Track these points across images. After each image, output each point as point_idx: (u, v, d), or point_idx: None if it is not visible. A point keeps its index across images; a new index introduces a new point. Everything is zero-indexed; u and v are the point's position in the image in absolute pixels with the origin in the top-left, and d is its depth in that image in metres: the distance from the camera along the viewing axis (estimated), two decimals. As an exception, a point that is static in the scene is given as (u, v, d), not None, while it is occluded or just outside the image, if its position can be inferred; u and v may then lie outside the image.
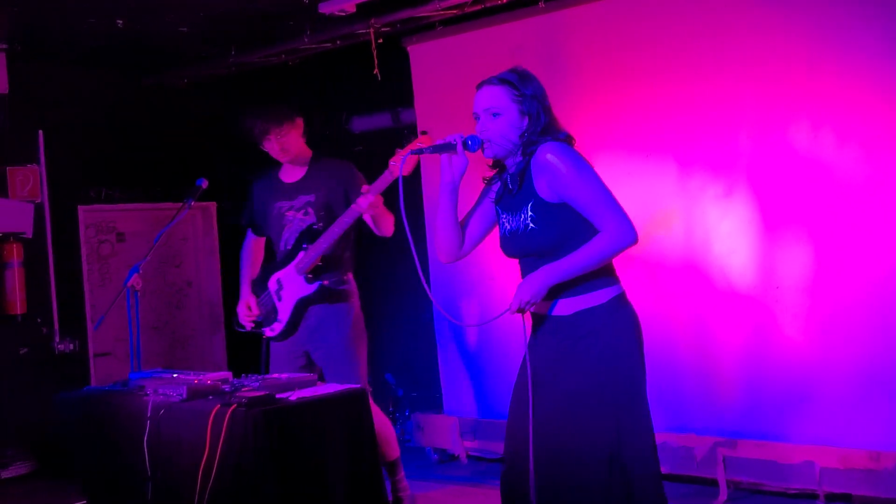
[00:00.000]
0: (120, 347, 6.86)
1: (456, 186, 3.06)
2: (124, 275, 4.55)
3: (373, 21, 5.58)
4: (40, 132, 6.50)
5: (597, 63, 5.21)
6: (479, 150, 3.01)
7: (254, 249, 4.84)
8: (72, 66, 6.58)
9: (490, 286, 5.75)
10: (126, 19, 5.60)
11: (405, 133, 6.41)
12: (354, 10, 5.42)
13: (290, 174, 4.64)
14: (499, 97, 2.96)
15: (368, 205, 4.21)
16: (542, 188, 2.90)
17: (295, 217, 4.53)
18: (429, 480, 5.50)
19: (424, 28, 5.85)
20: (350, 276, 4.57)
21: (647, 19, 5.04)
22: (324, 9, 5.40)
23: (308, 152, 4.64)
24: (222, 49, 6.35)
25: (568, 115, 5.34)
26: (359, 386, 3.97)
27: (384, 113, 6.49)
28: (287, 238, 4.55)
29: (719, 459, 4.73)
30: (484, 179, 3.17)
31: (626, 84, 5.10)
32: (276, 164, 4.74)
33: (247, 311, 4.63)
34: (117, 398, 4.04)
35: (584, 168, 2.90)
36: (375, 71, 5.64)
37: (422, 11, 5.43)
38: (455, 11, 5.41)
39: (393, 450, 4.57)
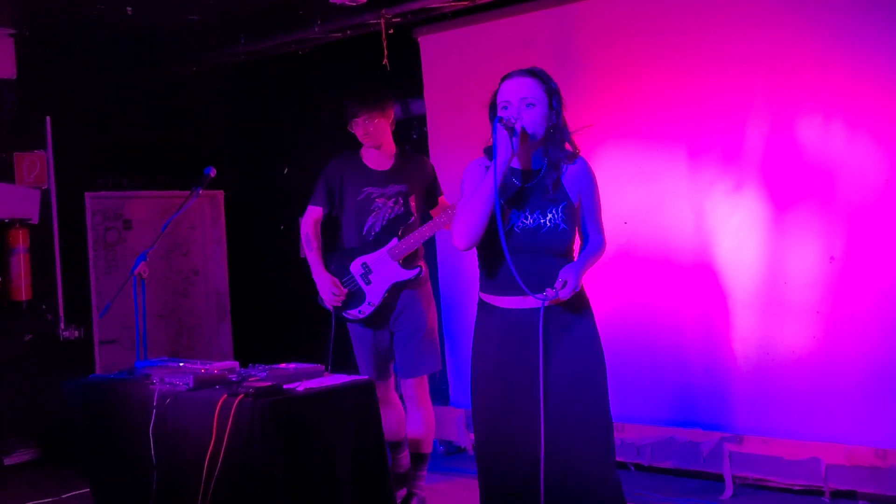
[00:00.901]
0: (125, 335, 6.86)
1: (506, 168, 3.05)
2: (131, 262, 4.54)
3: (384, 11, 5.56)
4: (48, 118, 6.49)
5: (608, 56, 5.18)
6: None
7: (319, 229, 4.75)
8: (80, 52, 6.56)
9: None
10: (135, 6, 5.58)
11: (415, 124, 6.40)
12: (365, 0, 5.40)
13: (377, 162, 4.66)
14: (533, 88, 3.06)
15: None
16: (574, 194, 3.11)
17: (385, 204, 4.60)
18: (435, 472, 5.48)
19: (435, 19, 5.83)
20: (424, 261, 4.73)
21: (658, 12, 5.02)
22: (334, -1, 5.39)
23: (392, 143, 4.72)
24: (232, 38, 6.33)
25: (579, 108, 5.35)
26: (366, 377, 3.97)
27: (394, 103, 6.46)
28: (372, 223, 4.60)
29: (725, 455, 4.73)
30: (487, 169, 3.10)
31: (637, 78, 5.07)
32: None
33: (335, 291, 4.57)
34: (123, 386, 4.03)
35: (597, 186, 3.21)
36: (385, 61, 5.62)
37: (433, 2, 5.41)
38: (466, 2, 5.39)
39: (428, 444, 4.77)
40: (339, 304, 4.60)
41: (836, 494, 4.48)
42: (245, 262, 7.42)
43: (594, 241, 3.20)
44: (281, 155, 7.25)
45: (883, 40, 4.32)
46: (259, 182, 7.37)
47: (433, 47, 6.03)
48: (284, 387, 3.63)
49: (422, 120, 6.22)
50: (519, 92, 3.06)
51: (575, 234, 3.14)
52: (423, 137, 6.17)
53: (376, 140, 4.61)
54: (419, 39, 6.06)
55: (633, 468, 5.17)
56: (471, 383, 3.26)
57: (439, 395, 6.24)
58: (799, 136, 4.60)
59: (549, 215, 3.07)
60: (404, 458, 4.84)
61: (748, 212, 4.77)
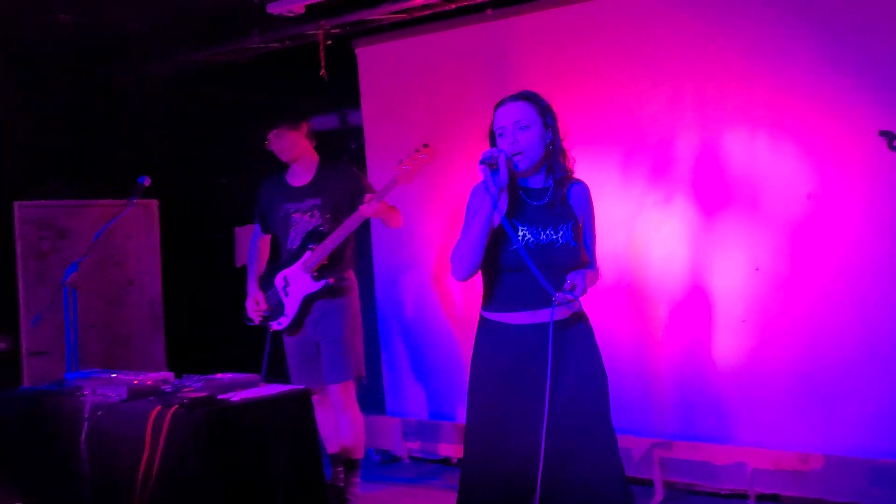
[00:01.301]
0: (56, 346, 6.73)
1: (497, 202, 3.07)
2: (63, 272, 4.49)
3: (322, 22, 5.59)
4: (-22, 125, 6.39)
5: (541, 70, 5.27)
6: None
7: (260, 246, 5.05)
8: (13, 58, 6.46)
9: (435, 287, 5.80)
10: (72, 14, 5.53)
11: (353, 135, 6.43)
12: (304, 10, 5.42)
13: (297, 177, 4.86)
14: (526, 111, 3.13)
15: (373, 212, 4.50)
16: (579, 214, 3.20)
17: (301, 219, 4.75)
18: (371, 481, 5.51)
19: (373, 31, 5.87)
20: (351, 272, 4.83)
21: (591, 29, 5.13)
22: (272, 9, 5.40)
23: (315, 156, 4.88)
24: (170, 46, 6.29)
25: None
26: (302, 387, 3.99)
27: (331, 114, 6.49)
28: (293, 238, 4.78)
29: (655, 460, 4.83)
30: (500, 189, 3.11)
31: (570, 91, 5.16)
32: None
33: (255, 305, 4.84)
34: (53, 398, 3.99)
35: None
36: (322, 72, 5.65)
37: (371, 14, 5.45)
38: (404, 15, 5.44)
39: (360, 450, 4.85)
40: (261, 318, 4.82)
41: (761, 498, 4.61)
42: (180, 272, 7.36)
43: (591, 266, 3.26)
44: (218, 164, 7.21)
45: (805, 56, 4.47)
46: (196, 191, 7.32)
47: (371, 59, 6.07)
48: (219, 397, 3.64)
49: (359, 130, 6.25)
50: (512, 116, 3.12)
51: (582, 252, 3.18)
52: (361, 148, 6.20)
53: (290, 155, 4.82)
54: (357, 51, 6.09)
55: (566, 475, 5.25)
56: (468, 397, 3.24)
57: (375, 404, 6.27)
58: (726, 149, 4.74)
59: (561, 232, 3.13)
60: (354, 484, 4.87)
61: (678, 223, 4.89)
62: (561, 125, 3.18)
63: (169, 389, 3.76)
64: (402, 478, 5.61)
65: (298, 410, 3.80)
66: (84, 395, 3.78)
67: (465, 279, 3.23)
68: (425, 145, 4.42)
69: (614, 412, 5.02)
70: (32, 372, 6.56)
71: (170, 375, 4.01)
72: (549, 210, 3.14)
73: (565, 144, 3.20)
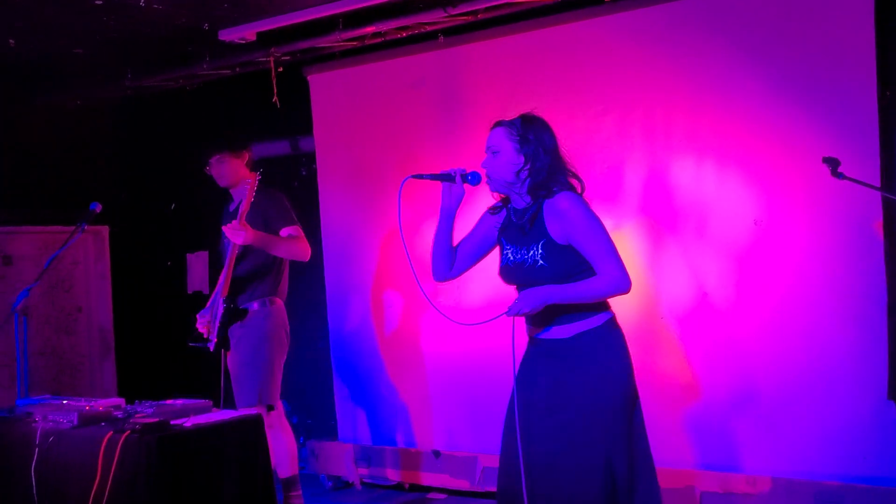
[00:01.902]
0: (4, 374, 6.64)
1: (452, 214, 3.36)
2: (11, 299, 4.44)
3: (273, 49, 5.61)
4: (-78, 150, 6.30)
5: (492, 97, 5.35)
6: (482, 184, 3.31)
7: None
8: (-41, 83, 6.40)
9: (389, 310, 5.82)
10: (18, 38, 5.49)
11: (304, 160, 6.44)
12: (255, 38, 5.44)
13: (233, 202, 4.92)
14: (499, 137, 3.25)
15: (232, 233, 4.45)
16: (555, 231, 3.16)
17: (230, 242, 4.69)
18: (323, 508, 5.50)
19: (324, 58, 5.91)
20: (268, 299, 4.76)
21: (541, 57, 5.21)
22: (224, 36, 5.41)
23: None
24: (118, 72, 6.27)
25: (464, 146, 5.53)
26: (255, 412, 3.98)
27: (283, 140, 6.51)
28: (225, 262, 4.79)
29: (607, 484, 4.86)
30: (490, 210, 3.42)
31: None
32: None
33: (199, 322, 4.80)
34: (3, 425, 3.94)
35: (593, 219, 3.17)
36: (275, 99, 5.67)
37: (322, 42, 5.49)
38: (356, 43, 5.48)
39: (294, 466, 4.80)
40: (205, 329, 4.77)
41: (710, 520, 4.68)
42: (131, 298, 7.30)
43: (597, 275, 3.15)
44: (169, 190, 7.18)
45: (751, 85, 4.59)
46: (146, 217, 7.28)
47: (322, 85, 6.10)
48: (172, 423, 3.61)
49: (311, 157, 6.27)
50: (489, 140, 3.27)
51: (568, 271, 3.15)
52: (313, 174, 6.22)
53: (228, 181, 4.86)
54: (308, 77, 6.12)
55: (518, 499, 5.27)
56: None
57: (327, 430, 6.26)
58: (673, 176, 4.83)
59: (531, 251, 3.20)
60: (296, 498, 4.82)
61: (626, 249, 4.95)
62: (582, 159, 3.31)
63: (121, 415, 3.73)
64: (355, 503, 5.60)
65: (251, 435, 3.80)
66: (35, 422, 3.74)
67: (439, 280, 3.49)
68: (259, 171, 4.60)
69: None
70: (-21, 400, 6.44)
71: (121, 401, 3.98)
72: (525, 230, 3.23)
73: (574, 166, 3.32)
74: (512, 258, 3.27)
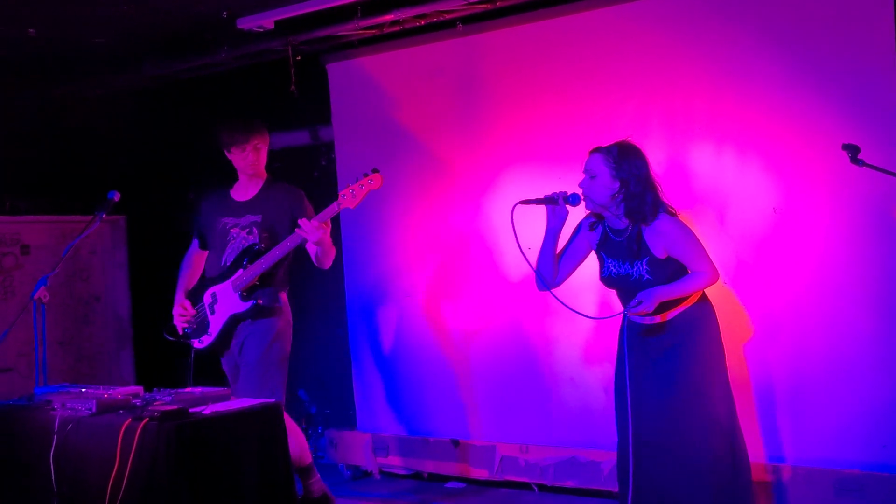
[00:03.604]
0: (22, 363, 6.68)
1: (557, 233, 3.92)
2: (29, 288, 4.47)
3: (291, 38, 5.59)
4: (-58, 139, 6.32)
5: (511, 84, 5.32)
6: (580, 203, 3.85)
7: (195, 261, 4.88)
8: (-22, 73, 6.42)
9: (406, 302, 5.81)
10: (39, 27, 5.49)
11: (323, 150, 6.43)
12: (273, 26, 5.43)
13: (242, 192, 4.72)
14: (597, 163, 3.77)
15: (312, 230, 4.28)
16: (658, 249, 3.74)
17: (239, 235, 4.59)
18: (341, 497, 5.48)
19: (343, 47, 5.89)
20: (283, 295, 4.64)
21: (561, 45, 5.18)
22: (242, 24, 5.40)
23: (265, 174, 4.73)
24: (138, 61, 6.27)
25: (483, 134, 5.52)
26: (273, 400, 3.97)
27: (302, 130, 6.49)
28: (228, 254, 4.61)
29: (626, 474, 4.84)
30: (589, 226, 3.95)
31: (540, 105, 5.22)
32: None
33: (182, 311, 4.66)
34: (22, 413, 3.95)
35: (689, 235, 3.78)
36: (293, 88, 5.65)
37: (341, 30, 5.46)
38: (374, 31, 5.46)
39: (306, 455, 4.69)
40: (187, 325, 4.65)
41: (729, 509, 4.64)
42: (148, 287, 7.31)
43: (694, 273, 3.77)
44: (186, 180, 7.19)
45: (771, 72, 4.54)
46: (163, 207, 7.28)
47: (341, 75, 6.09)
48: (190, 410, 3.61)
49: (330, 146, 6.26)
50: (588, 165, 3.79)
51: (664, 279, 3.75)
52: (332, 164, 6.21)
53: (257, 168, 4.67)
54: (327, 67, 6.11)
55: (536, 488, 5.27)
56: None
57: (346, 419, 6.26)
58: (693, 163, 4.80)
59: (636, 267, 3.78)
60: (316, 483, 4.77)
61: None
62: (653, 172, 3.80)
63: (139, 403, 3.73)
64: (373, 493, 5.59)
65: (269, 423, 3.79)
66: (53, 410, 3.75)
67: (544, 289, 4.03)
68: (374, 170, 4.33)
69: (583, 425, 5.10)
70: (-2, 388, 6.48)
71: (139, 389, 3.99)
72: (626, 247, 3.78)
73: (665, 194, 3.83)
74: (615, 271, 3.84)
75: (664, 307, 3.76)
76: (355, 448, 5.90)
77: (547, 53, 5.23)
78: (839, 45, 4.38)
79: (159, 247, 7.25)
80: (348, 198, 4.32)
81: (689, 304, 3.80)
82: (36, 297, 4.25)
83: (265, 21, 5.36)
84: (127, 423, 3.46)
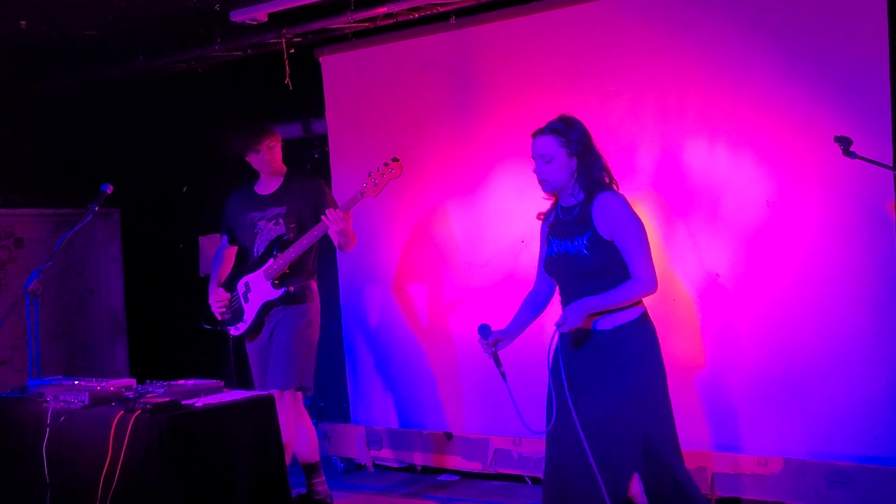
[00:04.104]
0: (16, 356, 6.68)
1: (515, 336, 3.79)
2: (22, 281, 4.46)
3: (284, 31, 5.58)
4: (-66, 132, 6.31)
5: (505, 77, 5.32)
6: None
7: (225, 256, 5.06)
8: (-29, 66, 6.41)
9: (398, 295, 5.82)
10: (30, 20, 5.48)
11: (316, 143, 6.43)
12: (266, 19, 5.41)
13: (265, 187, 4.91)
14: (549, 145, 3.54)
15: (337, 220, 4.46)
16: (603, 226, 3.46)
17: (266, 226, 4.78)
18: (335, 489, 5.47)
19: (337, 39, 5.88)
20: (312, 283, 4.82)
21: (554, 38, 5.18)
22: (235, 17, 5.39)
23: (282, 168, 4.91)
24: (130, 54, 6.26)
25: (476, 128, 5.51)
26: (266, 393, 3.98)
27: (295, 123, 6.48)
28: (258, 245, 4.81)
29: (618, 466, 4.85)
30: (539, 216, 3.73)
31: (533, 99, 5.22)
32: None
33: (218, 298, 4.83)
34: (14, 405, 3.96)
35: (637, 221, 3.49)
36: (287, 80, 5.65)
37: (334, 23, 5.46)
38: (367, 24, 5.46)
39: (316, 453, 4.86)
40: (224, 311, 4.81)
41: (721, 501, 4.66)
42: (142, 280, 7.32)
43: (630, 280, 3.47)
44: (180, 173, 7.18)
45: (763, 66, 4.55)
46: (157, 200, 7.28)
47: (335, 67, 6.08)
48: (183, 402, 3.62)
49: (323, 139, 6.26)
50: (537, 149, 3.57)
51: (606, 263, 3.46)
52: (325, 156, 6.21)
53: (275, 166, 4.87)
54: (321, 59, 6.10)
55: (529, 481, 5.28)
56: None
57: (340, 412, 6.27)
58: (686, 157, 4.81)
59: (577, 243, 3.50)
60: (320, 484, 4.87)
61: (639, 230, 4.94)
62: (596, 141, 3.61)
63: (132, 395, 3.74)
64: (367, 486, 5.60)
65: (262, 416, 3.80)
66: (46, 402, 3.75)
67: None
68: (395, 159, 4.50)
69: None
70: (-9, 381, 6.48)
71: (132, 381, 3.98)
72: (572, 223, 3.53)
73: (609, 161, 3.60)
74: (556, 249, 3.57)
75: (602, 314, 3.47)
76: (349, 441, 5.91)
77: (540, 47, 5.23)
78: (831, 38, 4.39)
79: (153, 240, 7.27)
80: (370, 187, 4.50)
81: (632, 319, 3.49)
82: (29, 289, 4.24)
83: (258, 14, 5.34)
84: (119, 415, 3.47)
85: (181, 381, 3.98)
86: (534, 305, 3.80)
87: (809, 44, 4.45)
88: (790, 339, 4.54)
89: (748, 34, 4.60)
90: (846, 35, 4.35)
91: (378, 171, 4.49)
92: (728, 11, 4.66)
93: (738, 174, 4.66)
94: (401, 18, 5.35)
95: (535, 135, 3.60)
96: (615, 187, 3.59)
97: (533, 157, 3.59)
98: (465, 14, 5.40)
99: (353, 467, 5.97)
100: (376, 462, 5.86)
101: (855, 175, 4.28)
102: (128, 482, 3.41)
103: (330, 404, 6.47)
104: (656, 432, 3.47)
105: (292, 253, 4.64)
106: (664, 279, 4.82)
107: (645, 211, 4.91)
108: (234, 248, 5.04)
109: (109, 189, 4.57)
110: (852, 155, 3.80)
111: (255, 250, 4.83)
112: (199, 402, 3.67)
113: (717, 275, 4.73)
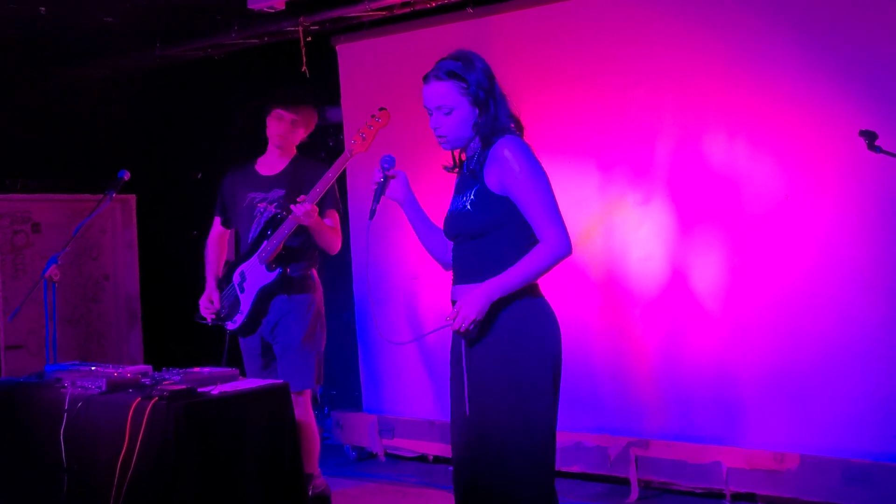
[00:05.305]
0: (32, 340, 6.71)
1: (411, 201, 3.16)
2: (39, 266, 4.48)
3: (302, 19, 5.59)
4: (-46, 117, 6.34)
5: (522, 69, 5.29)
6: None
7: (218, 242, 4.79)
8: (-11, 50, 6.42)
9: (413, 284, 5.81)
10: (49, 6, 5.48)
11: (331, 131, 6.42)
12: (284, 7, 5.40)
13: (269, 167, 4.62)
14: (448, 94, 2.95)
15: (303, 213, 4.18)
16: (491, 179, 2.90)
17: (267, 209, 4.49)
18: (346, 478, 5.52)
19: (353, 28, 5.88)
20: (314, 271, 4.56)
21: (572, 28, 5.16)
22: (252, 5, 5.38)
23: (294, 151, 4.66)
24: (147, 41, 6.26)
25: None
26: (282, 381, 3.97)
27: (310, 111, 6.47)
28: (255, 229, 4.52)
29: (632, 459, 4.86)
30: (445, 168, 3.18)
31: (550, 90, 5.20)
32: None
33: (208, 303, 4.58)
34: (32, 390, 3.97)
35: (536, 171, 2.90)
36: (304, 69, 5.64)
37: (351, 11, 5.46)
38: (384, 13, 5.45)
39: (308, 464, 4.39)
40: (214, 316, 4.56)
41: (736, 497, 4.65)
42: (157, 266, 7.33)
43: (540, 244, 2.88)
44: (195, 160, 7.19)
45: (786, 62, 4.52)
46: (173, 187, 7.29)
47: (351, 56, 6.07)
48: (199, 390, 3.63)
49: (338, 127, 6.25)
50: (434, 100, 2.98)
51: (495, 222, 2.91)
52: (339, 145, 6.21)
53: (289, 142, 4.58)
54: (337, 47, 6.09)
55: (542, 472, 5.27)
56: None
57: (352, 401, 6.28)
58: (705, 151, 4.78)
59: (464, 198, 2.97)
60: (317, 476, 4.64)
61: (656, 223, 4.93)
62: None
63: (148, 382, 3.74)
64: (378, 475, 5.62)
65: (277, 404, 3.79)
66: (64, 388, 3.76)
67: (446, 269, 3.20)
68: (381, 108, 4.16)
69: (591, 410, 5.10)
70: (9, 365, 6.52)
71: (148, 368, 3.99)
72: (468, 177, 2.99)
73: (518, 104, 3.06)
74: (451, 208, 3.04)
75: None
76: (361, 430, 5.92)
77: (557, 37, 5.21)
78: (856, 31, 4.35)
79: (169, 226, 7.28)
80: (358, 143, 4.18)
81: (524, 297, 2.89)
82: (47, 275, 4.25)
83: (276, 2, 5.33)
84: (136, 402, 3.47)
85: (197, 369, 3.98)
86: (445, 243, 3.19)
87: (833, 37, 4.40)
88: (809, 333, 4.52)
89: (770, 26, 4.57)
90: (870, 29, 4.31)
91: (366, 124, 4.16)
92: (750, 2, 4.63)
93: (757, 167, 4.63)
94: (417, 7, 5.35)
95: (426, 79, 2.99)
96: (520, 134, 3.01)
97: (427, 108, 3.00)
98: (481, 4, 5.38)
99: (365, 456, 5.98)
100: (388, 451, 5.87)
101: (879, 169, 4.22)
102: (144, 468, 3.42)
103: (342, 393, 6.48)
104: (520, 450, 2.88)
105: (285, 230, 4.29)
106: (679, 272, 4.85)
107: (662, 203, 4.90)
108: (228, 232, 4.78)
109: (127, 175, 4.55)
110: (877, 149, 3.77)
111: (251, 234, 4.52)
112: (215, 390, 3.67)
113: (736, 268, 4.70)
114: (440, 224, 3.18)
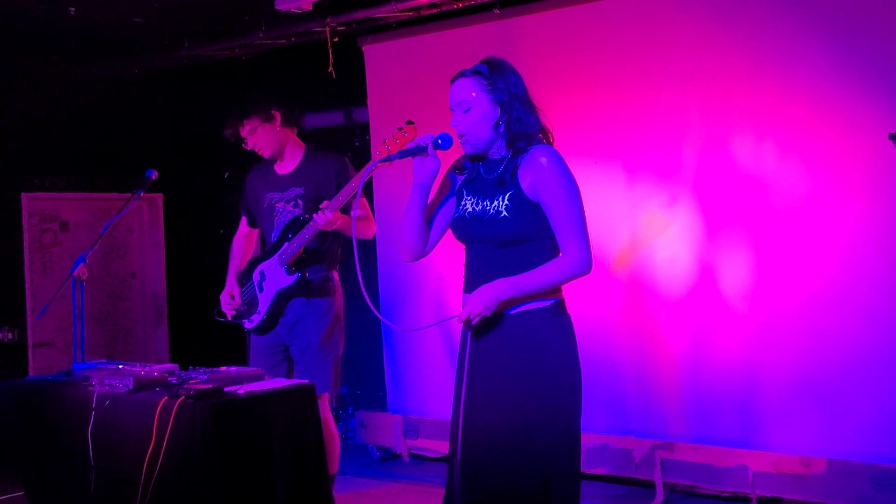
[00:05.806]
0: (60, 338, 6.77)
1: (428, 188, 3.03)
2: (66, 264, 4.52)
3: (329, 20, 5.60)
4: (-16, 117, 6.40)
5: (548, 70, 5.28)
6: (453, 147, 2.99)
7: (245, 240, 4.77)
8: (20, 51, 6.48)
9: (439, 285, 5.81)
10: (78, 6, 5.53)
11: (357, 132, 6.44)
12: (311, 7, 5.43)
13: (284, 165, 4.56)
14: (468, 90, 2.93)
15: (325, 223, 4.13)
16: (527, 184, 2.89)
17: (285, 209, 4.45)
18: (370, 478, 5.53)
19: (380, 28, 5.89)
20: (334, 273, 4.52)
21: (598, 29, 5.15)
22: (280, 5, 5.40)
23: (300, 144, 4.57)
24: (175, 41, 6.31)
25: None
26: (307, 381, 3.97)
27: (337, 111, 6.50)
28: (276, 230, 4.47)
29: (657, 461, 4.84)
30: (454, 168, 3.13)
31: (576, 91, 5.19)
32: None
33: (229, 299, 4.55)
34: (60, 388, 3.99)
35: (571, 184, 2.90)
36: (330, 69, 5.66)
37: (378, 12, 5.47)
38: (411, 13, 5.46)
39: (334, 464, 4.42)
40: (234, 313, 4.54)
41: (762, 501, 4.62)
42: (183, 265, 7.38)
43: (560, 256, 2.92)
44: (222, 159, 7.22)
45: (813, 63, 4.49)
46: (199, 186, 7.34)
47: (378, 56, 6.08)
48: (225, 389, 3.64)
49: (364, 127, 6.27)
50: (455, 97, 2.96)
51: (531, 230, 2.90)
52: (366, 145, 6.22)
53: (271, 149, 4.49)
54: (364, 48, 6.11)
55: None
56: None
57: (376, 401, 6.29)
58: (732, 153, 4.75)
59: (496, 202, 2.91)
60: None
61: (682, 225, 4.91)
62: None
63: (175, 381, 3.75)
64: (402, 475, 5.62)
65: (303, 404, 3.80)
66: (91, 386, 3.78)
67: (412, 260, 3.24)
68: (409, 122, 4.01)
69: (616, 412, 5.09)
70: (37, 363, 6.58)
71: (175, 367, 4.01)
72: (495, 181, 2.94)
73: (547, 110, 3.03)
74: (470, 209, 2.98)
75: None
76: (385, 429, 5.92)
77: (583, 38, 5.20)
78: (885, 33, 4.31)
79: (195, 225, 7.33)
80: (383, 153, 3.94)
81: (543, 306, 2.93)
82: (75, 274, 4.28)
83: (303, 2, 5.35)
84: (163, 400, 3.48)
85: (223, 368, 3.99)
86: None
87: (862, 37, 4.36)
88: (836, 337, 4.48)
89: (798, 28, 4.54)
90: (899, 30, 4.28)
91: (392, 136, 3.98)
92: (778, 3, 4.59)
93: (785, 169, 4.60)
94: (444, 8, 5.35)
95: (453, 79, 2.98)
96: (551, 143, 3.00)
97: (451, 109, 2.98)
98: (508, 5, 5.38)
99: (389, 456, 5.99)
100: (412, 451, 5.87)
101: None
102: (171, 467, 3.43)
103: (366, 392, 6.49)
104: (558, 460, 2.90)
105: (306, 234, 4.24)
106: (706, 274, 4.82)
107: (688, 205, 4.87)
108: (255, 231, 4.74)
109: (154, 175, 4.56)
110: (905, 153, 3.74)
111: (272, 235, 4.48)
112: (242, 390, 3.68)
113: (764, 271, 4.67)
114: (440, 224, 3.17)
